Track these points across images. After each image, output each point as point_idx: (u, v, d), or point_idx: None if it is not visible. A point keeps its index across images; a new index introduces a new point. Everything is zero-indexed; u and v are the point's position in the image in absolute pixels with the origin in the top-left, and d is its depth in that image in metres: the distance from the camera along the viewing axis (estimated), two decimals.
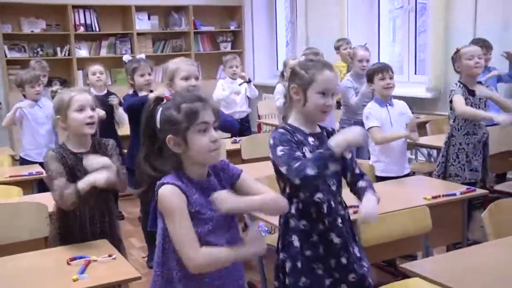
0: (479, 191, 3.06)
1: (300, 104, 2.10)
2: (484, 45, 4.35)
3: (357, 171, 2.23)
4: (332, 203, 2.14)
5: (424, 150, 5.23)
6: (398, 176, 3.41)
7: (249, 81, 5.27)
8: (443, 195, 2.89)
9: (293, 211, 2.12)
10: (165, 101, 1.78)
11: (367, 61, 4.64)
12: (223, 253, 1.69)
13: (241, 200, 1.75)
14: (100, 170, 2.22)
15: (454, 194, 2.92)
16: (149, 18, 7.86)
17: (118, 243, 2.40)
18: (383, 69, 3.46)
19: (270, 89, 6.96)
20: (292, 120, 2.16)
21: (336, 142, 1.97)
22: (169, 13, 8.05)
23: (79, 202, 2.25)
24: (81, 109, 2.36)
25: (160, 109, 1.74)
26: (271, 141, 2.07)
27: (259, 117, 6.60)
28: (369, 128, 3.40)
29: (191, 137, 1.70)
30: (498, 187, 3.99)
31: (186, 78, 2.79)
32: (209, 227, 1.71)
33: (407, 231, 2.62)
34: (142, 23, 7.78)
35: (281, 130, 2.08)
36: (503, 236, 2.32)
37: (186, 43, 8.13)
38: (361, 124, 4.66)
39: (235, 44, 8.47)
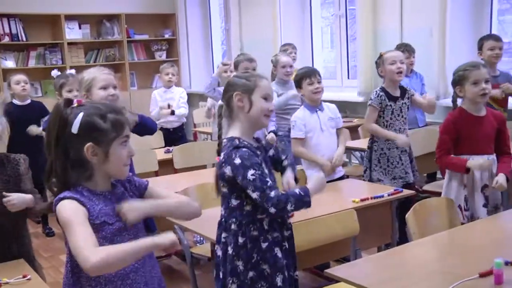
0: (407, 192, 3.12)
1: (245, 110, 2.14)
2: (406, 49, 4.49)
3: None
4: None
5: (357, 153, 5.32)
6: (331, 179, 3.42)
7: (172, 113, 5.22)
8: (371, 198, 2.92)
9: (266, 226, 2.15)
10: (75, 104, 1.69)
11: (291, 66, 4.65)
12: (120, 248, 1.54)
13: (148, 205, 1.71)
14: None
15: (382, 196, 2.96)
16: (80, 27, 7.64)
17: (31, 264, 2.25)
18: (311, 74, 3.45)
19: (206, 98, 6.90)
20: (239, 133, 2.15)
21: (312, 193, 2.10)
22: (101, 22, 7.85)
23: None
24: None
25: (81, 113, 1.64)
26: (236, 160, 2.05)
27: (194, 125, 6.53)
28: (292, 138, 3.45)
29: (114, 149, 1.65)
30: (426, 187, 4.09)
31: (104, 88, 2.70)
32: (117, 237, 1.65)
33: (336, 235, 2.64)
34: (73, 33, 7.55)
35: (245, 150, 2.07)
36: (427, 235, 2.37)
37: (120, 52, 7.96)
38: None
39: (170, 52, 8.37)
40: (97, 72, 2.75)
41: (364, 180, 3.69)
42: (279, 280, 2.13)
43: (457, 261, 2.02)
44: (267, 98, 2.17)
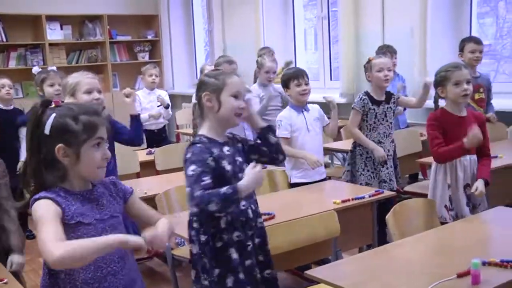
0: (388, 193, 3.14)
1: (214, 110, 2.13)
2: (388, 50, 4.52)
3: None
4: (252, 206, 2.19)
5: (340, 155, 5.34)
6: (315, 181, 3.44)
7: (167, 107, 5.20)
8: (352, 199, 2.93)
9: (223, 225, 2.12)
10: (53, 104, 1.68)
11: (274, 72, 4.68)
12: (84, 242, 1.52)
13: (164, 229, 1.71)
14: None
15: (363, 197, 2.97)
16: (61, 28, 7.57)
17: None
18: (299, 75, 3.42)
19: (189, 99, 6.91)
20: (206, 131, 2.16)
21: (243, 189, 2.00)
22: (83, 23, 7.79)
23: None
24: None
25: (54, 114, 1.64)
26: (188, 155, 2.06)
27: (177, 127, 6.51)
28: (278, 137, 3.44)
29: (85, 151, 1.64)
30: (407, 188, 4.11)
31: (89, 92, 2.70)
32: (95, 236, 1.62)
33: (317, 236, 2.63)
34: (54, 33, 7.48)
35: (199, 146, 2.07)
36: (407, 235, 2.38)
37: (102, 53, 7.90)
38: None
39: (153, 53, 8.33)
40: (81, 77, 2.76)
41: (343, 180, 3.70)
42: (229, 281, 2.11)
43: (437, 262, 2.03)
44: (237, 96, 2.13)
